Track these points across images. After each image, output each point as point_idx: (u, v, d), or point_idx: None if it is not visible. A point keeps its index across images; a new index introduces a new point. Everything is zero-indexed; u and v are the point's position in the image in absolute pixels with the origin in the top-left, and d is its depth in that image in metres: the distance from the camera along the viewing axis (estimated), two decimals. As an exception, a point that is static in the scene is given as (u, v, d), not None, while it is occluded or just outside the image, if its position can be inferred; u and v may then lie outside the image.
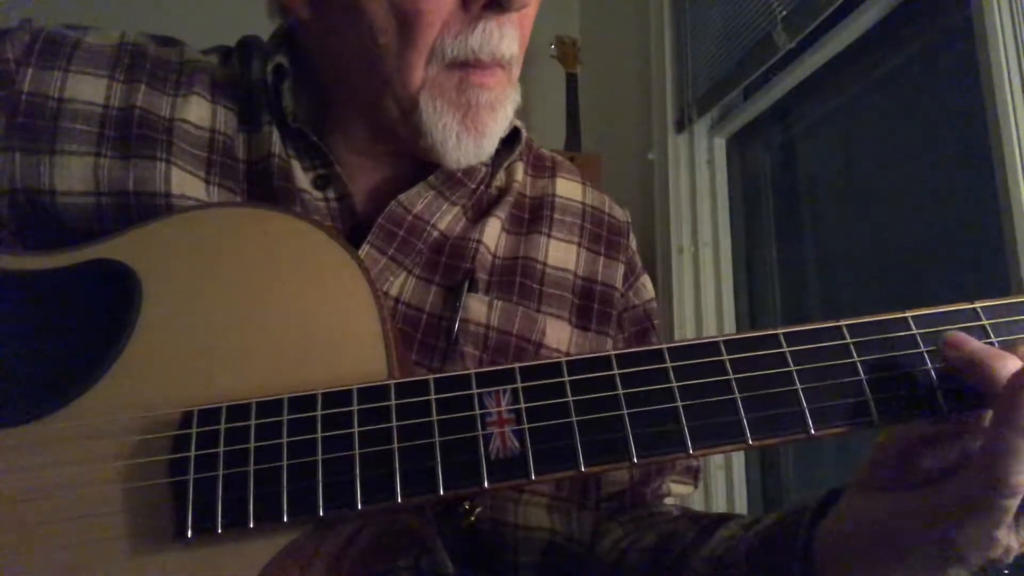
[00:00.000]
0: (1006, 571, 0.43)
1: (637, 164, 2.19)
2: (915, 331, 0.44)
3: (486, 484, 0.41)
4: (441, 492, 0.41)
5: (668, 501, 0.73)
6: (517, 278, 0.68)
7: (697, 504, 1.69)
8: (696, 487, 0.76)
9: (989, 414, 0.42)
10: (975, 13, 1.18)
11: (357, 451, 0.42)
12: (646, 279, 0.78)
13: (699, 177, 1.99)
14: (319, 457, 0.42)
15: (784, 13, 1.63)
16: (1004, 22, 1.13)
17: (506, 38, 0.58)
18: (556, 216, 0.73)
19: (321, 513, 0.41)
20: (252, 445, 0.43)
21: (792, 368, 0.43)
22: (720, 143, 2.02)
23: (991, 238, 1.13)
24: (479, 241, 0.67)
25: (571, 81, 2.37)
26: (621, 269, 0.74)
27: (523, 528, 0.63)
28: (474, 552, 0.61)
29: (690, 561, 0.57)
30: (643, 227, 2.05)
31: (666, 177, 2.03)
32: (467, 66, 0.58)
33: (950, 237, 1.32)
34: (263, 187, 0.63)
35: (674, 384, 0.43)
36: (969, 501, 0.39)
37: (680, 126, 2.04)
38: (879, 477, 0.45)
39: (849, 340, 0.44)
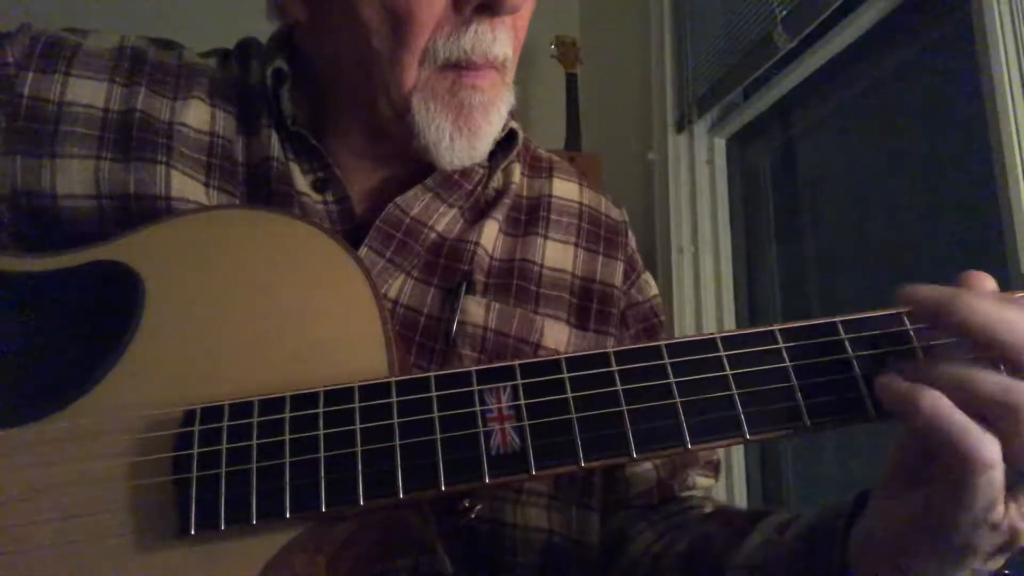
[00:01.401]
0: (1006, 572, 0.43)
1: (637, 164, 2.19)
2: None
3: (487, 479, 0.42)
4: (442, 487, 0.42)
5: (694, 493, 0.73)
6: (514, 280, 0.68)
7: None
8: (717, 480, 0.76)
9: None
10: (975, 13, 1.18)
11: (359, 447, 0.42)
12: (648, 276, 0.79)
13: (699, 177, 1.99)
14: (321, 454, 0.42)
15: (784, 13, 1.63)
16: (1004, 22, 1.13)
17: (499, 40, 0.59)
18: (553, 217, 0.73)
19: (324, 509, 0.41)
20: (255, 442, 0.43)
21: (788, 364, 0.44)
22: (720, 143, 2.02)
23: (991, 238, 1.14)
24: (477, 243, 0.67)
25: (571, 81, 2.37)
26: (620, 267, 0.75)
27: (522, 528, 0.64)
28: (473, 552, 0.61)
29: (725, 569, 0.57)
30: (643, 227, 2.05)
31: (666, 177, 2.03)
32: (460, 67, 0.59)
33: (950, 237, 1.32)
34: (262, 190, 0.63)
35: (672, 380, 0.43)
36: (955, 485, 0.39)
37: (680, 126, 2.05)
38: (898, 478, 0.45)
39: (844, 336, 0.44)
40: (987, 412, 0.38)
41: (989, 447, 0.38)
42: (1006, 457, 0.38)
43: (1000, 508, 0.39)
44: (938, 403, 0.39)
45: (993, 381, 0.39)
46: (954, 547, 0.40)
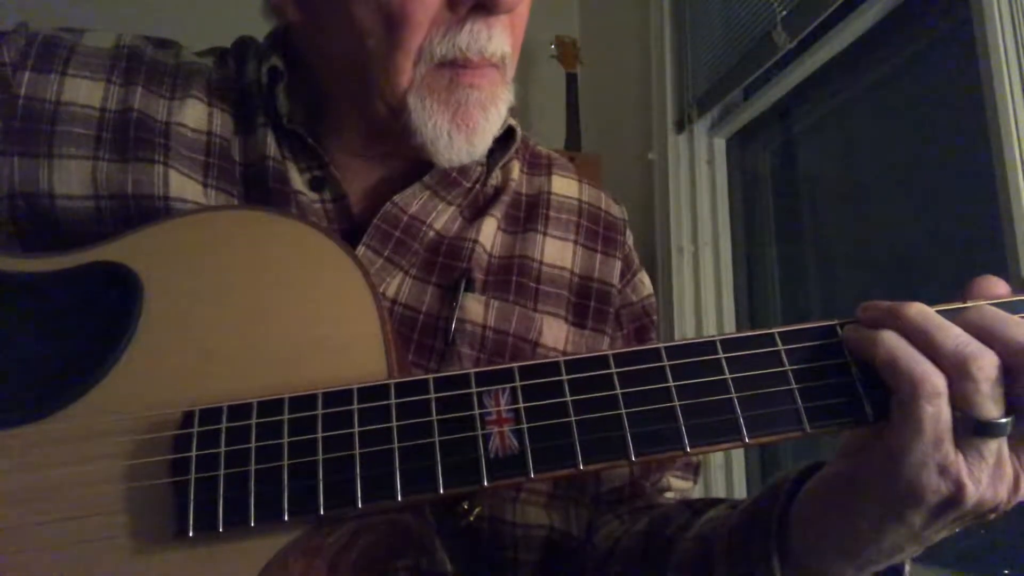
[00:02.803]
0: (1006, 572, 0.43)
1: (637, 164, 2.19)
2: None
3: (486, 483, 0.42)
4: (441, 491, 0.41)
5: (668, 495, 0.74)
6: (514, 277, 0.68)
7: (698, 504, 1.69)
8: (696, 483, 0.76)
9: None
10: (975, 13, 1.18)
11: (357, 450, 0.42)
12: (643, 275, 0.78)
13: (699, 177, 2.00)
14: (319, 456, 0.42)
15: (784, 13, 1.63)
16: (1004, 22, 1.13)
17: (495, 38, 0.58)
18: (552, 214, 0.73)
19: (322, 512, 0.41)
20: (253, 445, 0.43)
21: (787, 367, 0.44)
22: (720, 143, 2.02)
23: (991, 238, 1.13)
24: (475, 240, 0.67)
25: (571, 81, 2.37)
26: (618, 266, 0.75)
27: (522, 526, 0.64)
28: (473, 551, 0.61)
29: (679, 541, 0.58)
30: (643, 227, 2.05)
31: (666, 177, 2.03)
32: (456, 65, 0.58)
33: (950, 237, 1.32)
34: (259, 189, 0.63)
35: (671, 383, 0.43)
36: (906, 412, 0.40)
37: (680, 126, 2.05)
38: (851, 448, 0.46)
39: (843, 338, 0.44)
40: (938, 357, 0.41)
41: (935, 376, 0.40)
42: (952, 400, 0.40)
43: (949, 450, 0.40)
44: (895, 339, 0.42)
45: (946, 331, 0.41)
46: (900, 487, 0.41)
